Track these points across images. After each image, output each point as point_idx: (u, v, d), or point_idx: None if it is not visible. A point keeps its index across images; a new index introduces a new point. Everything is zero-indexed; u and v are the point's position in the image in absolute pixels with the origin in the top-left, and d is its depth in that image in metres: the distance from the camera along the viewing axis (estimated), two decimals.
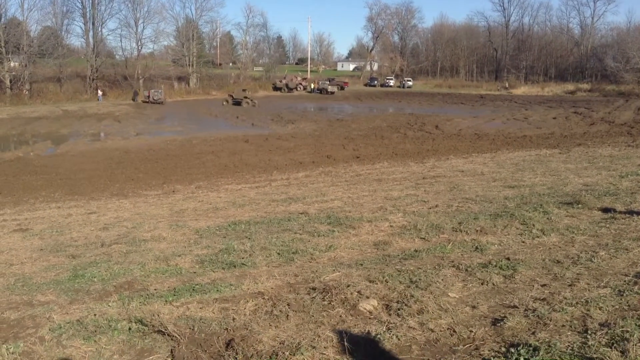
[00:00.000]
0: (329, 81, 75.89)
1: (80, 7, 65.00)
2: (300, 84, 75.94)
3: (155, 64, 73.36)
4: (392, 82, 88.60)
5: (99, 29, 66.88)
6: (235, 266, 5.39)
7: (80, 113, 44.78)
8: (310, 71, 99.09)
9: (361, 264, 5.14)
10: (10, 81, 55.25)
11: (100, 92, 57.21)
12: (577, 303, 3.74)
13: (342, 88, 77.42)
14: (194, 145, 27.13)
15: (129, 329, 3.82)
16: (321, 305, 4.04)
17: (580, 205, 7.12)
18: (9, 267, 6.36)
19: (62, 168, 20.92)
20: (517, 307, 3.78)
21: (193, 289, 4.62)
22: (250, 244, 6.29)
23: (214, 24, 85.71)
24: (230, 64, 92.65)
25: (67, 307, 4.45)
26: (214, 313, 4.03)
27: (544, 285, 4.21)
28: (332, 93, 70.72)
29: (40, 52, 58.83)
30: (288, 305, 4.07)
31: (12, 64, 56.71)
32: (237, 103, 51.96)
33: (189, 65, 72.65)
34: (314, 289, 4.39)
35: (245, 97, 52.78)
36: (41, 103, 51.80)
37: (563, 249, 5.25)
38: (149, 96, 55.28)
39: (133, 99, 55.95)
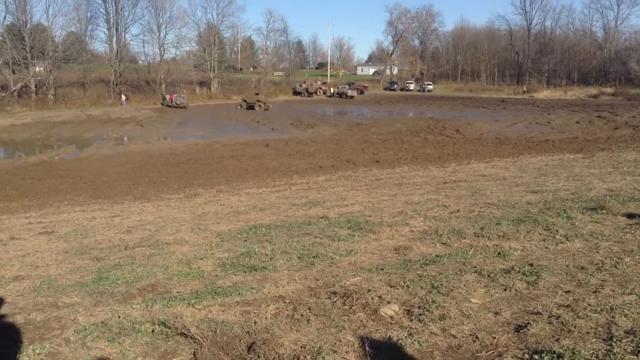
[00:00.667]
0: (349, 85, 75.97)
1: (104, 13, 66.36)
2: (320, 88, 76.10)
3: (177, 68, 74.30)
4: (412, 86, 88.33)
5: (122, 35, 68.11)
6: (256, 270, 5.41)
7: (103, 117, 45.46)
8: (330, 75, 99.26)
9: (382, 269, 5.12)
10: (36, 86, 56.40)
11: (123, 97, 58.10)
12: (601, 310, 3.68)
13: (361, 92, 77.41)
14: (215, 149, 27.36)
15: (153, 331, 3.87)
16: (342, 309, 4.04)
17: (604, 211, 7.00)
18: (34, 269, 6.46)
19: (86, 172, 21.25)
20: (540, 314, 3.73)
21: (215, 292, 4.65)
22: (271, 247, 6.32)
23: (235, 29, 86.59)
24: (251, 69, 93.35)
25: (91, 309, 4.51)
26: (235, 316, 4.05)
27: (568, 291, 4.15)
28: (352, 97, 70.75)
29: (65, 58, 59.95)
30: (309, 309, 4.08)
31: (37, 69, 57.90)
32: (251, 107, 52.32)
33: (210, 70, 73.35)
34: (334, 293, 4.39)
35: (258, 101, 53.13)
36: (66, 107, 52.75)
37: (587, 255, 5.17)
38: (172, 100, 55.97)
39: (162, 103, 56.74)
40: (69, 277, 5.90)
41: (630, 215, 6.75)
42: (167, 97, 57.46)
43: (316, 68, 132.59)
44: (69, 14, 64.79)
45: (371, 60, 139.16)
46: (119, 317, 4.19)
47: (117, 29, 66.36)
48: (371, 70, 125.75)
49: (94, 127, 39.00)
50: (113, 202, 14.86)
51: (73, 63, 60.94)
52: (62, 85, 60.35)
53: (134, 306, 4.45)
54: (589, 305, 3.79)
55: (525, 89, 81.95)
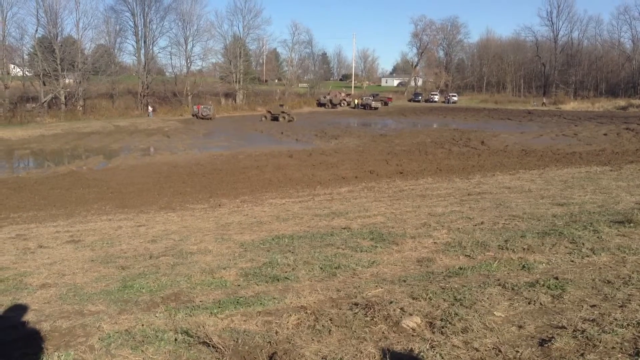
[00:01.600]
0: (373, 97, 75.98)
1: (133, 26, 67.50)
2: (344, 99, 76.24)
3: (203, 80, 75.26)
4: (436, 98, 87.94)
5: (150, 47, 69.16)
6: (278, 280, 5.43)
7: (131, 128, 46.21)
8: (354, 87, 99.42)
9: (404, 281, 5.10)
10: (65, 97, 57.68)
11: (150, 108, 59.08)
12: (628, 325, 3.61)
13: (385, 104, 77.38)
14: (240, 160, 27.57)
15: (175, 339, 3.90)
16: (364, 321, 4.04)
17: (632, 224, 6.87)
18: (61, 277, 6.58)
19: (113, 182, 21.59)
20: (565, 328, 3.68)
21: (237, 302, 4.68)
22: (293, 258, 6.34)
23: (260, 41, 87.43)
24: (276, 80, 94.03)
25: (116, 317, 4.57)
26: (257, 326, 4.07)
27: (594, 305, 4.08)
28: (376, 109, 70.73)
29: (94, 70, 61.22)
30: (330, 320, 4.08)
31: (67, 81, 59.19)
32: (275, 118, 52.66)
33: (236, 81, 74.10)
34: (356, 304, 4.39)
35: (282, 112, 53.46)
36: (94, 118, 53.81)
37: (614, 268, 5.08)
38: (198, 111, 56.79)
39: (192, 114, 57.60)
40: (94, 285, 5.99)
41: None
42: (195, 108, 58.33)
43: (340, 79, 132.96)
44: (99, 27, 66.05)
45: (395, 71, 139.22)
46: (143, 325, 4.24)
47: (145, 42, 67.59)
48: (395, 82, 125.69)
49: (121, 138, 39.66)
50: (139, 211, 15.06)
51: (102, 75, 62.17)
52: (90, 97, 61.57)
53: (157, 315, 4.50)
54: (615, 319, 3.73)
55: (545, 101, 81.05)
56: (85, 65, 59.40)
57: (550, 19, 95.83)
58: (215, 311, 4.43)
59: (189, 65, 72.46)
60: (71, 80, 59.67)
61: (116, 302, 5.07)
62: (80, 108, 58.32)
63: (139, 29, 66.92)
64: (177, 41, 71.26)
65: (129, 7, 66.69)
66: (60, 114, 54.60)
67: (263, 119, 53.50)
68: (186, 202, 16.63)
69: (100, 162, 28.41)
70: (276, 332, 3.93)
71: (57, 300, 5.39)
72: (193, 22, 71.42)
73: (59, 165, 27.82)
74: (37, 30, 57.92)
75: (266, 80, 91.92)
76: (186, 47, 71.00)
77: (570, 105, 75.87)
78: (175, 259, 6.99)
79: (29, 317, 4.79)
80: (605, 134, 36.50)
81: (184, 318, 4.32)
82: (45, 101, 54.81)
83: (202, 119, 55.54)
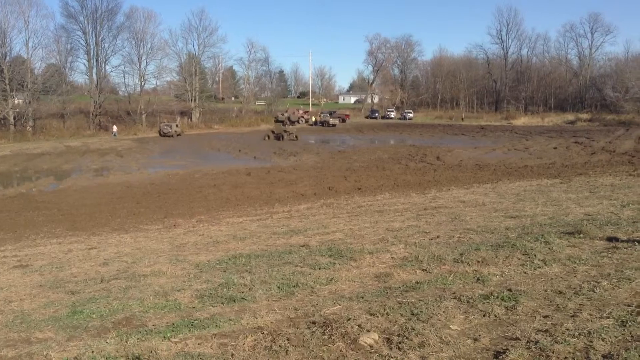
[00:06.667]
0: (330, 114, 76.49)
1: (84, 44, 66.27)
2: (302, 117, 76.50)
3: (158, 99, 74.25)
4: (393, 114, 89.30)
5: (103, 66, 68.01)
6: (234, 300, 5.34)
7: (83, 149, 45.12)
8: (312, 104, 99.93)
9: (362, 297, 5.09)
10: (14, 118, 55.93)
11: (115, 128, 57.86)
12: (579, 334, 3.68)
13: (343, 120, 78.02)
14: (196, 179, 27.21)
15: None
16: (321, 339, 3.99)
17: (582, 235, 7.08)
18: (8, 304, 6.31)
19: (64, 203, 20.94)
20: (519, 339, 3.72)
21: (192, 325, 4.57)
22: (250, 277, 6.25)
23: (216, 59, 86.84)
24: (233, 98, 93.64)
25: (64, 344, 4.41)
26: (212, 349, 3.97)
27: (546, 316, 4.16)
28: (334, 125, 71.22)
29: (44, 89, 59.69)
30: (288, 340, 4.02)
31: (16, 101, 57.46)
32: (278, 137, 51.94)
33: (191, 100, 73.46)
34: (314, 323, 4.34)
35: (285, 131, 53.11)
36: (44, 139, 52.29)
37: (565, 279, 5.20)
38: (159, 129, 56.07)
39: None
40: (42, 311, 5.78)
41: (608, 239, 6.82)
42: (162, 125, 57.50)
43: (298, 97, 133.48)
44: (49, 46, 64.21)
45: (352, 89, 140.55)
46: (93, 352, 4.09)
47: (97, 60, 66.37)
48: (352, 99, 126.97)
49: (72, 159, 38.63)
50: (90, 234, 14.64)
51: (52, 94, 60.61)
52: (41, 117, 59.93)
53: (108, 340, 4.36)
54: (567, 329, 3.80)
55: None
56: (35, 85, 57.88)
57: (500, 37, 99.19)
58: (168, 335, 4.31)
59: (142, 83, 71.47)
60: (20, 100, 57.97)
61: (65, 329, 4.90)
62: (30, 129, 56.62)
63: (91, 47, 65.82)
64: (131, 60, 70.26)
65: (80, 26, 65.63)
66: (9, 134, 52.86)
67: (266, 138, 52.60)
68: (140, 223, 16.25)
69: (51, 184, 27.55)
70: (232, 355, 3.84)
71: (2, 328, 5.18)
72: (147, 41, 70.58)
73: (8, 187, 26.82)
74: None
75: (223, 98, 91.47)
76: (140, 66, 70.08)
77: (521, 121, 78.29)
78: (127, 282, 6.80)
79: None
80: (555, 148, 37.77)
81: (135, 343, 4.19)
82: None
83: (164, 136, 54.79)
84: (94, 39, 65.67)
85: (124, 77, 78.52)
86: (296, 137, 52.05)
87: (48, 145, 47.31)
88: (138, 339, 4.29)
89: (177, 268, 7.46)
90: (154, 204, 20.15)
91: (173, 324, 4.68)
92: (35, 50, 61.77)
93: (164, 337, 4.28)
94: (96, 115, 63.06)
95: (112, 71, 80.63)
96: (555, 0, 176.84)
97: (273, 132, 54.00)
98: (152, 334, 4.41)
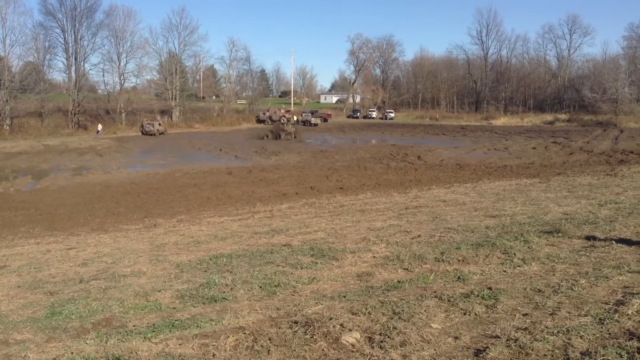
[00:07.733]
0: (312, 113, 76.46)
1: (63, 42, 65.22)
2: (284, 116, 76.33)
3: (138, 97, 73.36)
4: (374, 114, 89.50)
5: (82, 64, 66.99)
6: (216, 301, 5.31)
7: (61, 147, 44.49)
8: (294, 104, 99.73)
9: (344, 296, 5.10)
10: None
11: (100, 126, 57.11)
12: (558, 332, 3.73)
13: (325, 120, 78.04)
14: (177, 178, 27.01)
15: None
16: (303, 339, 3.99)
17: (560, 234, 7.17)
18: None
19: (42, 203, 20.64)
20: (499, 337, 3.76)
21: (172, 325, 4.54)
22: (231, 277, 6.22)
23: (197, 58, 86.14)
24: (214, 97, 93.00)
25: (43, 345, 4.35)
26: (193, 349, 3.95)
27: (526, 314, 4.21)
28: (316, 125, 71.20)
29: (22, 87, 58.57)
30: (269, 339, 4.01)
31: None
32: (277, 137, 51.62)
33: (172, 98, 72.77)
34: (296, 322, 4.34)
35: (283, 130, 52.78)
36: (22, 138, 51.38)
37: (544, 277, 5.26)
38: (141, 127, 55.58)
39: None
40: (20, 312, 5.70)
41: (586, 238, 6.92)
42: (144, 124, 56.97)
43: (279, 96, 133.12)
44: (27, 43, 63.08)
45: (334, 88, 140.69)
46: (72, 353, 4.05)
47: (76, 59, 65.32)
48: (334, 99, 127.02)
49: (51, 158, 38.08)
50: (69, 234, 14.45)
51: (30, 93, 59.53)
52: (18, 116, 58.88)
53: (87, 341, 4.31)
54: (546, 327, 3.84)
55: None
56: (13, 83, 56.77)
57: (480, 37, 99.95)
58: (149, 335, 4.27)
59: (122, 82, 70.66)
60: None
61: (44, 330, 4.83)
62: (7, 127, 55.56)
63: (70, 45, 64.75)
64: (110, 58, 69.32)
65: (59, 24, 64.51)
66: None
67: (265, 137, 52.25)
68: (120, 222, 16.08)
69: (29, 183, 27.15)
70: (213, 355, 3.82)
71: None
72: (126, 39, 69.68)
73: None
74: None
75: (204, 97, 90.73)
76: (119, 64, 69.22)
77: (501, 121, 79.04)
78: (107, 282, 6.73)
79: None
80: (534, 148, 38.24)
81: (115, 344, 4.15)
82: None
83: (146, 135, 54.31)
84: (73, 36, 64.67)
85: (103, 75, 77.21)
86: (295, 136, 51.85)
87: (26, 144, 46.55)
88: (118, 339, 4.25)
89: (158, 268, 7.40)
90: (133, 203, 19.95)
91: (154, 324, 4.64)
92: (13, 48, 60.73)
93: (145, 337, 4.24)
94: (75, 114, 62.11)
95: (91, 69, 79.63)
96: (534, 2, 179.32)
97: (272, 131, 53.85)
98: (133, 334, 4.37)
